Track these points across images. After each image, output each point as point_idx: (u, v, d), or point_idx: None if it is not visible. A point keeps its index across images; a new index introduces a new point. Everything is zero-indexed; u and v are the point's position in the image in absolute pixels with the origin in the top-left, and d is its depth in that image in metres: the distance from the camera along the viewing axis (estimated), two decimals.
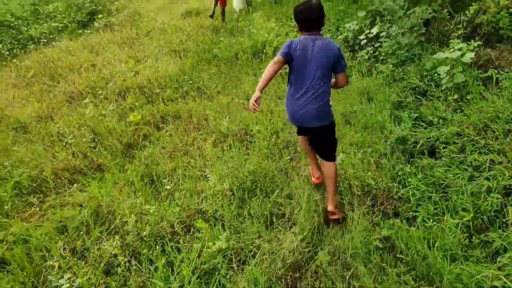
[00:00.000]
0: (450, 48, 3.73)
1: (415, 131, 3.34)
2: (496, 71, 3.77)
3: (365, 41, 4.91)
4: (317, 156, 2.87)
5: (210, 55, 6.42)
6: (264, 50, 6.05)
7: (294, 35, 6.42)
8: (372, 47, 4.81)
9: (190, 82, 5.43)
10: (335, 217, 2.66)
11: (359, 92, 4.33)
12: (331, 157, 2.65)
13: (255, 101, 2.37)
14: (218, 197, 2.93)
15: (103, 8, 10.43)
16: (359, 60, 4.92)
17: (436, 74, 3.79)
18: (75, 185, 3.32)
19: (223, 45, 6.70)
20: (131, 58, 6.58)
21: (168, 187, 3.15)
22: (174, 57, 6.64)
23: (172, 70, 5.77)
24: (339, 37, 5.69)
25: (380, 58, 4.64)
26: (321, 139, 2.65)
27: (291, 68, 2.53)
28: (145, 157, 3.73)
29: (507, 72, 3.69)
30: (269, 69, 2.43)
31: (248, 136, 3.86)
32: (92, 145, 3.98)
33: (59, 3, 10.43)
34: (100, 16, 9.47)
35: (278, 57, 2.45)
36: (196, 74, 5.71)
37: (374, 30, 4.79)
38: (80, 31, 8.81)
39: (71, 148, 3.89)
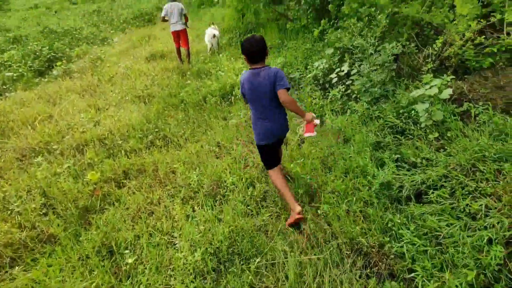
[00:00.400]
0: (425, 84, 3.62)
1: (398, 174, 3.11)
2: (470, 104, 3.68)
3: (336, 79, 4.79)
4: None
5: (177, 100, 6.13)
6: (233, 92, 5.83)
7: None
8: (343, 85, 4.68)
9: (156, 130, 5.08)
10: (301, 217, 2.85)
11: (334, 133, 4.12)
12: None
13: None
14: (189, 270, 2.53)
15: (63, 55, 10.05)
16: (331, 99, 4.76)
17: (413, 111, 3.65)
18: (17, 267, 2.81)
19: (190, 89, 6.45)
20: (91, 107, 6.19)
21: (130, 260, 2.72)
22: (138, 103, 6.30)
23: (135, 118, 5.42)
24: (308, 75, 5.57)
25: (352, 96, 4.50)
26: (281, 142, 3.28)
27: (247, 100, 3.04)
28: (104, 222, 3.29)
29: (482, 105, 3.60)
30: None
31: (221, 190, 3.51)
32: (42, 212, 3.50)
33: (15, 52, 9.97)
34: (59, 63, 9.07)
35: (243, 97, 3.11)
36: (162, 121, 5.38)
37: (345, 68, 4.68)
38: (37, 80, 8.35)
39: (17, 217, 3.39)
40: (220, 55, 8.23)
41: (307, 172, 3.45)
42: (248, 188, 3.45)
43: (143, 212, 3.41)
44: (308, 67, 5.95)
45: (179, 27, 8.03)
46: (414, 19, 4.95)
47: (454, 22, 4.54)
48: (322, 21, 6.03)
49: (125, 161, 4.31)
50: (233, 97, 5.79)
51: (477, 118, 3.38)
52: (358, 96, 4.42)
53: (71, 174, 4.12)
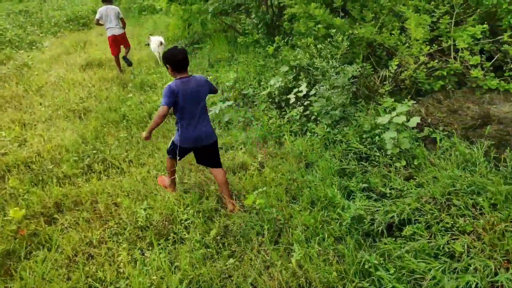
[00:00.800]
0: (386, 108, 3.54)
1: (368, 206, 2.93)
2: (431, 129, 3.67)
3: (294, 99, 4.58)
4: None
5: (118, 116, 5.54)
6: None
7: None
8: (301, 106, 4.49)
9: (94, 151, 4.48)
10: (235, 211, 3.22)
11: (295, 156, 3.89)
12: (220, 164, 3.38)
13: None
14: None
15: None
16: (288, 119, 4.55)
17: (377, 136, 3.53)
18: None
19: (132, 103, 5.90)
20: (15, 123, 5.36)
21: None
22: (73, 118, 5.60)
23: (69, 138, 4.75)
24: (262, 92, 5.33)
25: (311, 117, 4.31)
26: (213, 152, 3.34)
27: (176, 108, 3.05)
28: (30, 272, 2.70)
29: (442, 131, 3.60)
30: (159, 120, 2.99)
31: (174, 226, 3.08)
32: None
33: None
34: None
35: (164, 108, 2.93)
36: (101, 141, 4.78)
37: (303, 89, 4.50)
38: None
39: None
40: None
41: (271, 204, 3.15)
42: (206, 224, 3.07)
43: (80, 256, 2.87)
44: (262, 83, 5.72)
45: (117, 31, 7.44)
46: (368, 40, 4.96)
47: (406, 45, 4.60)
48: (276, 38, 5.85)
49: (57, 190, 3.69)
50: None
51: (440, 144, 3.35)
52: (317, 117, 4.25)
53: None
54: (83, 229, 3.17)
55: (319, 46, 4.58)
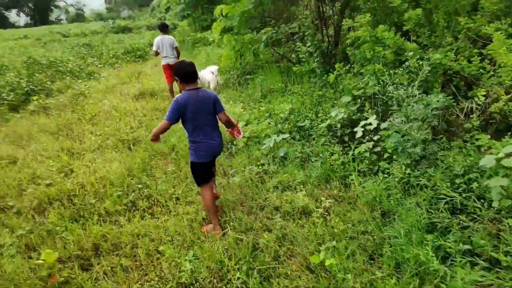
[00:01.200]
0: (482, 148, 2.86)
1: (476, 277, 2.22)
2: None
3: (361, 133, 3.99)
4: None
5: (167, 147, 5.24)
6: (234, 142, 4.98)
7: (269, 125, 5.46)
8: (371, 141, 3.88)
9: (139, 185, 4.14)
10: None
11: (367, 202, 3.25)
12: None
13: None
14: None
15: (43, 88, 9.16)
16: (354, 156, 3.94)
17: (475, 182, 2.83)
18: None
19: (182, 134, 5.58)
20: (64, 152, 5.22)
21: None
22: (122, 148, 5.38)
23: (115, 170, 4.46)
24: (321, 125, 4.79)
25: (384, 155, 3.68)
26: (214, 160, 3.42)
27: (185, 120, 3.08)
28: None
29: None
30: (161, 131, 3.07)
31: (223, 286, 2.54)
32: None
33: None
34: (35, 97, 8.15)
35: (166, 123, 3.00)
36: (148, 174, 4.45)
37: (373, 121, 3.90)
38: (7, 116, 7.37)
39: None
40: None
41: (344, 265, 2.52)
42: (262, 285, 2.50)
43: None
44: (320, 115, 5.19)
45: (172, 60, 7.45)
46: (444, 67, 4.31)
47: (491, 73, 3.91)
48: (337, 65, 5.35)
49: (97, 229, 3.32)
50: (234, 147, 4.94)
51: None
52: (392, 155, 3.61)
53: (21, 248, 3.10)
54: (120, 280, 2.72)
55: (392, 71, 4.00)
